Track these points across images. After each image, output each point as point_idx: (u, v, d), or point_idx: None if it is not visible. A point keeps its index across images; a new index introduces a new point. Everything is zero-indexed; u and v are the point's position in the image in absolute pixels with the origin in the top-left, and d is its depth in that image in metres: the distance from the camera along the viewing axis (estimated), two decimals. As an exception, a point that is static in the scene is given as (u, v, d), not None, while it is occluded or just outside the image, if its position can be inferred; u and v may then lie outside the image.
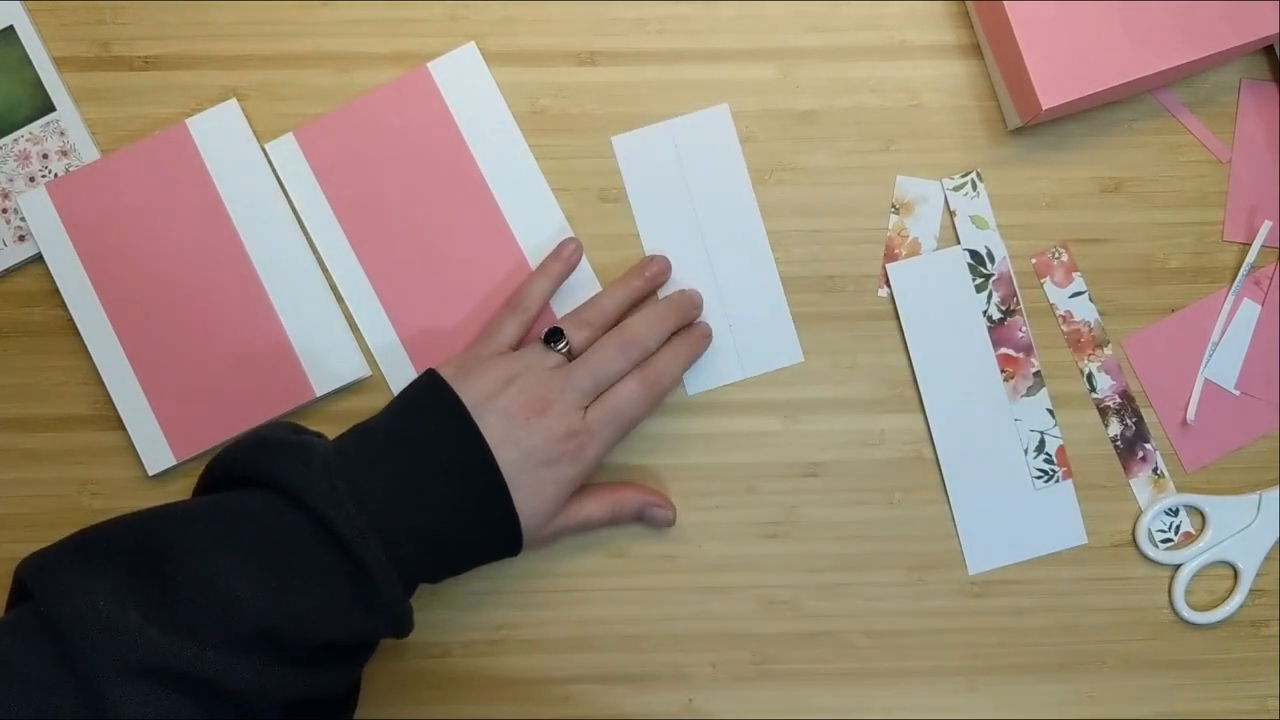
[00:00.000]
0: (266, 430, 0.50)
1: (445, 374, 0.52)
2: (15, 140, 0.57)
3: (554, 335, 0.54)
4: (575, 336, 0.54)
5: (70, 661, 0.41)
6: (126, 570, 0.44)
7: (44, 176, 0.57)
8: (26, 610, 0.43)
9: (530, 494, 0.51)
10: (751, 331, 0.58)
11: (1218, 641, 0.59)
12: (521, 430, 0.50)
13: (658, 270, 0.57)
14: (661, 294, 0.58)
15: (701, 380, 0.58)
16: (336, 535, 0.46)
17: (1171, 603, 0.58)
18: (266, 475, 0.47)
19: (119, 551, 0.45)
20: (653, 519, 0.57)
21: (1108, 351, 0.59)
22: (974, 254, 0.59)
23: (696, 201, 0.58)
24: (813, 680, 0.58)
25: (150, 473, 0.57)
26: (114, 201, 0.57)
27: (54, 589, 0.43)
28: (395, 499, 0.48)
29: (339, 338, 0.57)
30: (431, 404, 0.51)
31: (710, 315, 0.58)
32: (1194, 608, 0.58)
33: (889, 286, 0.59)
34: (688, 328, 0.57)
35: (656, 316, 0.55)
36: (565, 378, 0.52)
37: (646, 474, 0.58)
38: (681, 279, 0.58)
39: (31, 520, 0.57)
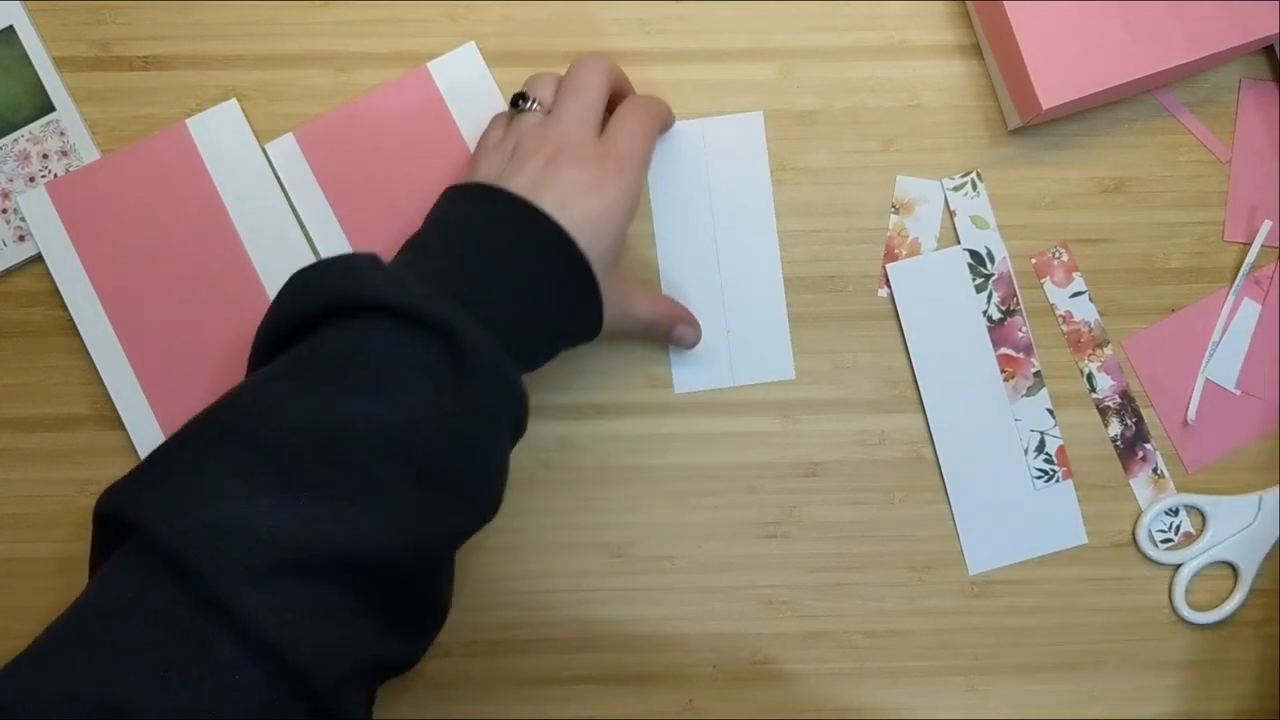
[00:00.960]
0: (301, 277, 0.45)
1: (452, 185, 0.50)
2: (15, 140, 0.57)
3: (519, 100, 0.51)
4: (541, 92, 0.51)
5: (191, 585, 0.38)
6: (219, 463, 0.40)
7: (44, 176, 0.57)
8: (128, 547, 0.39)
9: (587, 226, 0.47)
10: (747, 340, 0.58)
11: (1218, 641, 0.59)
12: (549, 174, 0.47)
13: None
14: (663, 287, 0.58)
15: (691, 381, 0.58)
16: (434, 324, 0.42)
17: (1171, 602, 0.58)
18: (339, 298, 0.43)
19: (200, 450, 0.41)
20: (680, 337, 0.56)
21: (1108, 351, 0.59)
22: (974, 254, 0.59)
23: (715, 202, 0.58)
24: (812, 680, 0.58)
25: (150, 473, 0.57)
26: (114, 201, 0.57)
27: (149, 512, 0.39)
28: (476, 281, 0.45)
29: (339, 338, 0.57)
30: (451, 199, 0.49)
31: (709, 317, 0.58)
32: (1194, 607, 0.58)
33: (889, 286, 0.59)
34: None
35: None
36: (558, 118, 0.50)
37: (646, 473, 0.58)
38: (687, 276, 0.58)
39: (31, 520, 0.57)
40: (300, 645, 0.38)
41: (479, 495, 0.45)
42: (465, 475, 0.44)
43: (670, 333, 0.56)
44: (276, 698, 0.38)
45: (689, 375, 0.58)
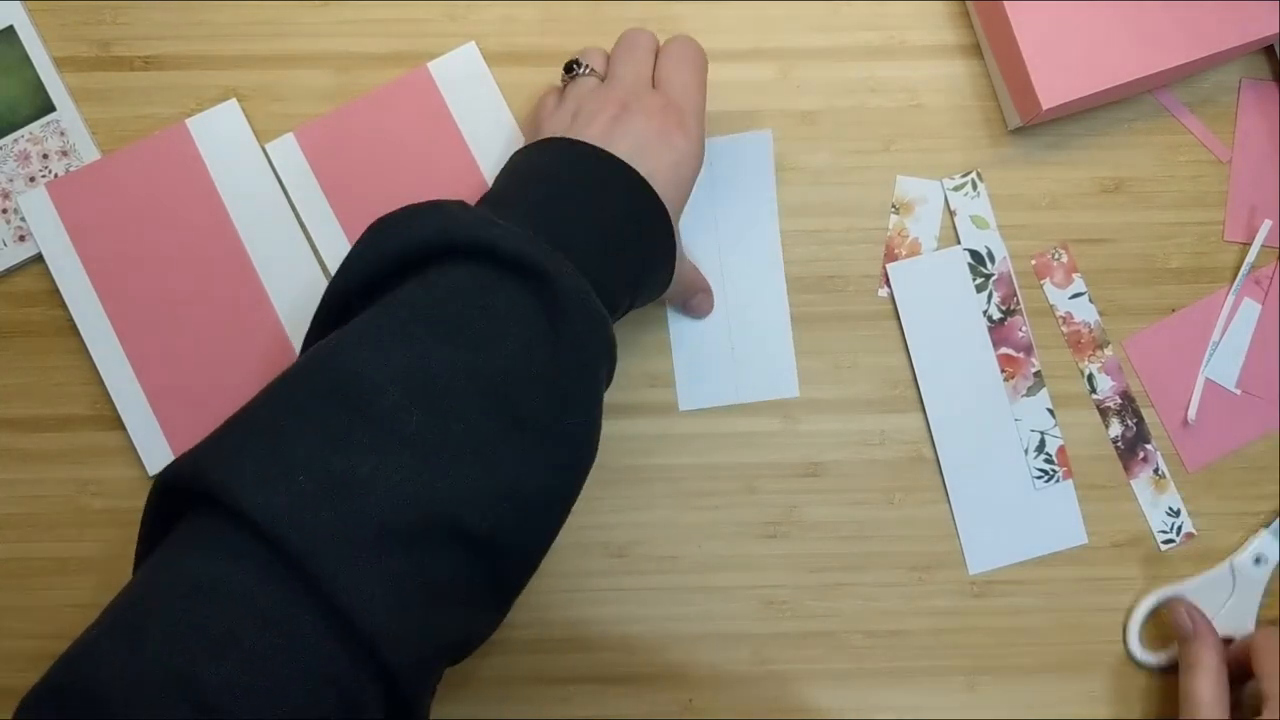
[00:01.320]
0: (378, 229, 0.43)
1: (522, 147, 0.49)
2: (15, 140, 0.57)
3: (573, 65, 0.52)
4: (593, 60, 0.52)
5: (281, 563, 0.35)
6: (308, 425, 0.37)
7: (44, 176, 0.57)
8: (204, 521, 0.36)
9: (660, 177, 0.47)
10: (752, 358, 0.58)
11: (1218, 641, 0.59)
12: (620, 126, 0.47)
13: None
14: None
15: (695, 398, 0.58)
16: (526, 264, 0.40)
17: (1126, 646, 0.58)
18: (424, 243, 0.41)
19: (286, 411, 0.38)
20: (699, 305, 0.57)
21: (1108, 352, 0.59)
22: (974, 254, 0.59)
23: (720, 220, 0.58)
24: (813, 680, 0.58)
25: (150, 473, 0.57)
26: (114, 201, 0.57)
27: (231, 481, 0.35)
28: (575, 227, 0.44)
29: (339, 338, 0.57)
30: (525, 154, 0.48)
31: (715, 334, 0.58)
32: (1149, 649, 0.58)
33: (889, 286, 0.59)
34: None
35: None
36: (617, 78, 0.50)
37: (647, 473, 0.58)
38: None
39: (31, 520, 0.57)
40: (395, 630, 0.36)
41: (578, 447, 0.43)
42: (564, 425, 0.41)
43: (690, 300, 0.56)
44: (362, 694, 0.36)
45: (693, 392, 0.58)
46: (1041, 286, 0.59)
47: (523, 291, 0.40)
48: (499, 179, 0.48)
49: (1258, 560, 0.57)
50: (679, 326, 0.58)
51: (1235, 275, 0.59)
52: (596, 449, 0.43)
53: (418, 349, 0.38)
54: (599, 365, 0.43)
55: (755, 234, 0.58)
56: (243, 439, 0.38)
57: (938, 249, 0.59)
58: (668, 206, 0.47)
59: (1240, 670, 0.54)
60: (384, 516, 0.36)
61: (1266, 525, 0.57)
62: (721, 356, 0.58)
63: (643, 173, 0.46)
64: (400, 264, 0.41)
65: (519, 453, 0.39)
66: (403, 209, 0.42)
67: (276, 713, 0.34)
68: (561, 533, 0.57)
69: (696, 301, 0.57)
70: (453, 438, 0.38)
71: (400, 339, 0.39)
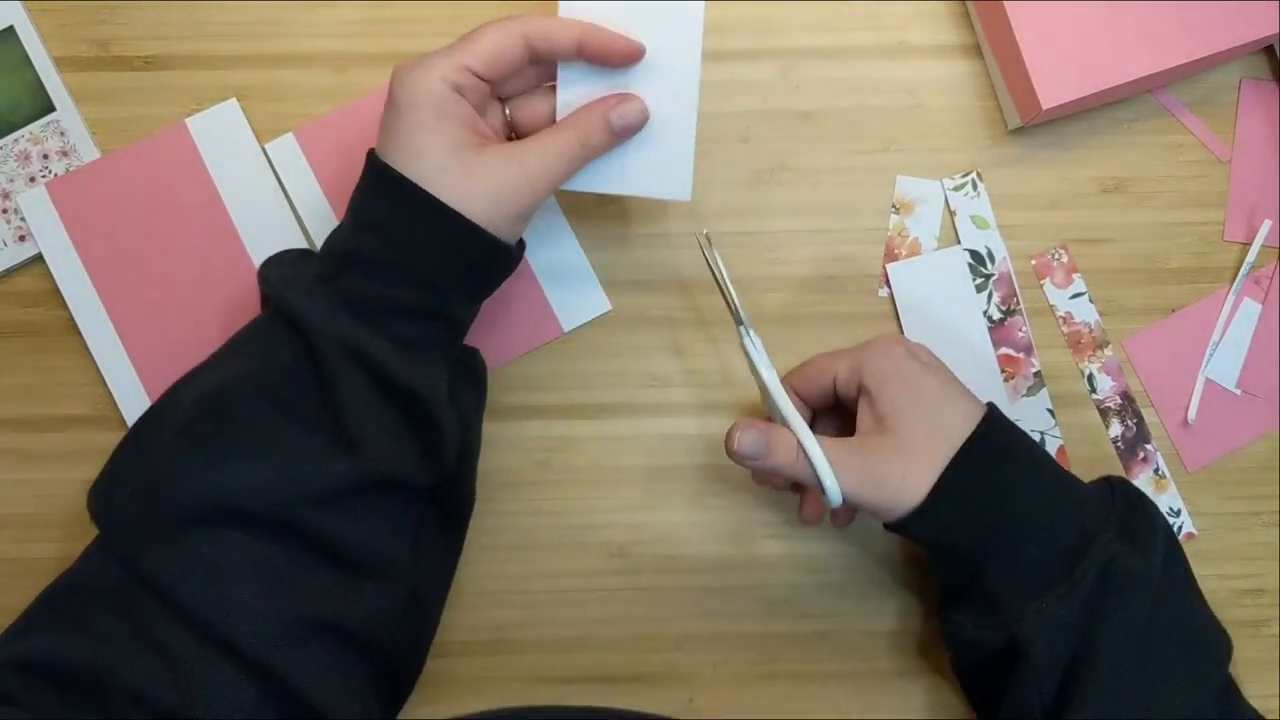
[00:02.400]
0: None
1: None
2: (15, 140, 0.57)
3: None
4: None
5: (116, 555, 0.44)
6: (144, 442, 0.47)
7: (44, 176, 0.57)
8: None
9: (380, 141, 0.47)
10: (646, 148, 0.50)
11: (1218, 641, 0.59)
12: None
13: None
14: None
15: (578, 180, 0.50)
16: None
17: None
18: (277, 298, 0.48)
19: (136, 435, 0.48)
20: (623, 118, 0.48)
21: (1108, 353, 0.59)
22: (974, 254, 0.59)
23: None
24: (813, 680, 0.58)
25: (150, 473, 0.57)
26: (114, 201, 0.57)
27: (94, 492, 0.46)
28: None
29: (339, 338, 0.57)
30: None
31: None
32: None
33: (889, 286, 0.59)
34: None
35: None
36: None
37: (646, 473, 0.58)
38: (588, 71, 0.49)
39: (32, 520, 0.57)
40: (209, 600, 0.42)
41: (349, 436, 0.45)
42: (337, 418, 0.45)
43: (609, 128, 0.48)
44: (206, 656, 0.42)
45: (578, 176, 0.50)
46: (1041, 286, 0.59)
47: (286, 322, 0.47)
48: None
49: None
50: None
51: (1235, 275, 0.59)
52: (379, 448, 0.46)
53: (215, 372, 0.47)
54: (344, 368, 0.46)
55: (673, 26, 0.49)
56: (112, 459, 0.47)
57: (938, 249, 0.59)
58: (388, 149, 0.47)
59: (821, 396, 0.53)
60: (184, 506, 0.43)
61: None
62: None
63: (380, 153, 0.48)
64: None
65: (297, 445, 0.45)
66: (276, 254, 0.51)
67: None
68: (561, 532, 0.58)
69: (618, 118, 0.48)
70: (231, 435, 0.45)
71: (211, 368, 0.48)
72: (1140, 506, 0.49)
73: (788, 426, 0.48)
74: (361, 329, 0.45)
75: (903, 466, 0.47)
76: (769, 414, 0.53)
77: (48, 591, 0.45)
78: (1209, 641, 0.48)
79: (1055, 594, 0.46)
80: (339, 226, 0.48)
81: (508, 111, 0.50)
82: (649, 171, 0.51)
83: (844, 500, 0.47)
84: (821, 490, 0.47)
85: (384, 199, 0.46)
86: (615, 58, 0.48)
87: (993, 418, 0.49)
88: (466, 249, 0.47)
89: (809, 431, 0.48)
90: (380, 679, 0.49)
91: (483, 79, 0.47)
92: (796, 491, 0.55)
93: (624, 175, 0.51)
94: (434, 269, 0.46)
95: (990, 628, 0.47)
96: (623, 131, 0.49)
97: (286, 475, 0.44)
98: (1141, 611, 0.45)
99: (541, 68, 0.50)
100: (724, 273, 0.51)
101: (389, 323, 0.46)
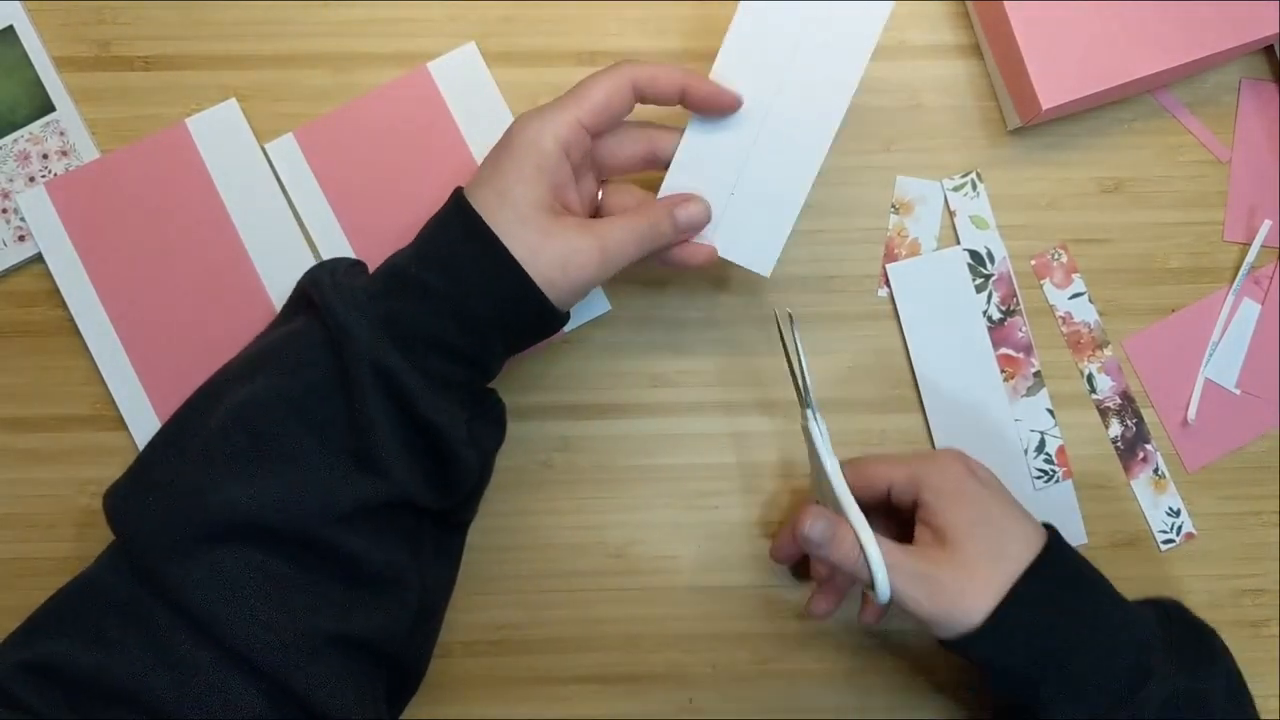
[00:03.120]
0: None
1: None
2: (15, 140, 0.57)
3: None
4: None
5: (135, 565, 0.44)
6: (166, 455, 0.47)
7: (44, 176, 0.57)
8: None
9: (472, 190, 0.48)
10: (746, 214, 0.52)
11: (1218, 641, 0.59)
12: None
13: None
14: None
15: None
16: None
17: None
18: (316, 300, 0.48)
19: (160, 445, 0.47)
20: (687, 216, 0.50)
21: (1108, 353, 0.59)
22: (974, 254, 0.59)
23: (790, 75, 0.51)
24: (813, 680, 0.58)
25: (150, 473, 0.57)
26: (114, 201, 0.57)
27: (110, 501, 0.46)
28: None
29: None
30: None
31: (724, 166, 0.51)
32: None
33: (889, 286, 0.59)
34: None
35: None
36: None
37: (647, 473, 0.58)
38: (717, 126, 0.51)
39: (31, 520, 0.57)
40: (227, 614, 0.42)
41: (374, 458, 0.46)
42: (364, 440, 0.46)
43: (674, 223, 0.50)
44: (220, 669, 0.42)
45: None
46: (1041, 286, 0.59)
47: (325, 336, 0.47)
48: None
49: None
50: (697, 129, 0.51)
51: (1235, 275, 0.59)
52: (402, 472, 0.46)
53: (246, 384, 0.46)
54: (373, 388, 0.46)
55: (821, 94, 0.51)
56: (133, 469, 0.47)
57: (938, 249, 0.59)
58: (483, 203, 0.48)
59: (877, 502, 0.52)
60: (202, 524, 0.43)
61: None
62: (717, 194, 0.52)
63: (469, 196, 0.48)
64: (299, 296, 0.51)
65: (323, 465, 0.45)
66: (329, 260, 0.52)
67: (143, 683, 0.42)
68: (561, 533, 0.58)
69: (682, 217, 0.50)
70: (258, 449, 0.45)
71: (242, 379, 0.47)
72: (1197, 633, 0.50)
73: (844, 517, 0.48)
74: (398, 356, 0.46)
75: (962, 582, 0.47)
76: (817, 499, 0.53)
77: (60, 594, 0.45)
78: None
79: None
80: (404, 250, 0.49)
81: (600, 195, 0.52)
82: (740, 236, 0.52)
83: (894, 600, 0.47)
84: (871, 586, 0.47)
85: (460, 241, 0.47)
86: (715, 108, 0.50)
87: (1055, 545, 0.49)
88: (523, 308, 0.47)
89: (867, 526, 0.48)
90: (389, 684, 0.49)
91: (591, 132, 0.48)
92: (808, 578, 0.56)
93: (715, 229, 0.52)
94: (486, 319, 0.47)
95: None
96: (686, 228, 0.51)
97: (312, 495, 0.44)
98: None
99: (648, 149, 0.51)
100: (801, 354, 0.51)
101: (426, 357, 0.46)
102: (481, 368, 0.49)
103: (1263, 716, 0.50)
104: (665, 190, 0.52)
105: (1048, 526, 0.50)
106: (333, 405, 0.46)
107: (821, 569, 0.55)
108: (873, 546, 0.47)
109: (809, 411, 0.50)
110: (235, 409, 0.46)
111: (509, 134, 0.48)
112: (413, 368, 0.46)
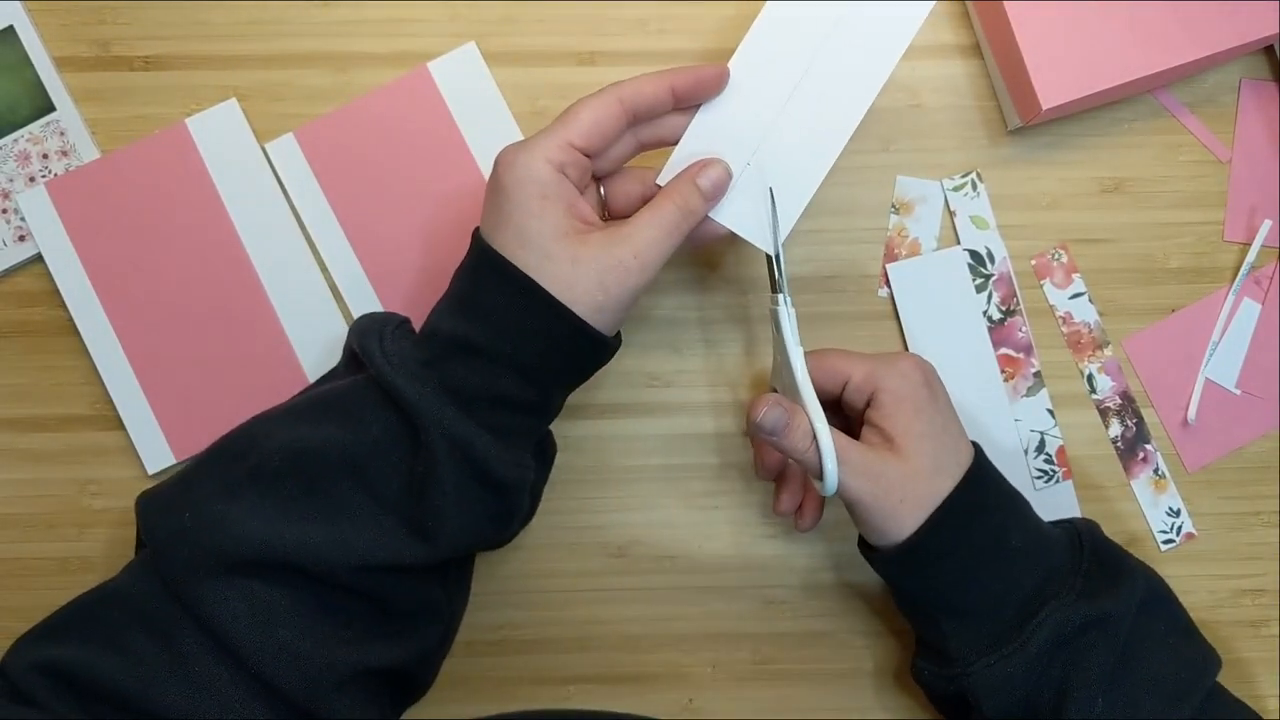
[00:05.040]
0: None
1: None
2: (15, 140, 0.57)
3: None
4: None
5: (163, 578, 0.44)
6: (211, 479, 0.46)
7: (44, 176, 0.57)
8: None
9: (485, 223, 0.47)
10: (757, 192, 0.50)
11: (1217, 642, 0.58)
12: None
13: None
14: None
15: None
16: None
17: None
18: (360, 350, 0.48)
19: (202, 469, 0.47)
20: (709, 179, 0.48)
21: (1108, 353, 0.59)
22: (974, 254, 0.59)
23: (818, 63, 0.50)
24: (813, 680, 0.58)
25: (150, 472, 0.57)
26: (114, 201, 0.57)
27: (145, 516, 0.46)
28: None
29: (338, 337, 0.57)
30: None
31: (741, 143, 0.50)
32: None
33: (889, 286, 0.59)
34: None
35: None
36: None
37: (647, 473, 0.58)
38: (740, 91, 0.50)
39: (31, 520, 0.57)
40: (258, 643, 0.43)
41: (426, 526, 0.46)
42: (418, 505, 0.45)
43: (701, 193, 0.48)
44: (240, 693, 0.43)
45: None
46: (1041, 286, 0.59)
47: (387, 400, 0.46)
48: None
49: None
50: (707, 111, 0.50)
51: (1235, 275, 0.59)
52: (451, 538, 0.46)
53: (303, 431, 0.46)
54: (445, 460, 0.45)
55: (844, 91, 0.50)
56: (170, 485, 0.47)
57: (938, 249, 0.59)
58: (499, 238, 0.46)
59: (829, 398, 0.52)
60: (243, 549, 0.43)
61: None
62: (735, 161, 0.50)
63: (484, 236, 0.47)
64: (350, 359, 0.50)
65: (371, 520, 0.45)
66: (366, 317, 0.50)
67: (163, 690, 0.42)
68: (561, 533, 0.58)
69: (705, 182, 0.48)
70: (313, 499, 0.45)
71: (299, 422, 0.47)
72: (1107, 558, 0.50)
73: (801, 405, 0.48)
74: (466, 421, 0.45)
75: (907, 488, 0.48)
76: (773, 385, 0.53)
77: (84, 599, 0.45)
78: (1190, 674, 0.48)
79: (1002, 653, 0.47)
80: (441, 306, 0.48)
81: (602, 191, 0.51)
82: (750, 210, 0.50)
83: (840, 493, 0.47)
84: (819, 475, 0.47)
85: (495, 290, 0.46)
86: (700, 88, 0.49)
87: (977, 468, 0.49)
88: (572, 346, 0.47)
89: (823, 415, 0.48)
90: (401, 693, 0.50)
91: (585, 153, 0.47)
92: (774, 479, 0.55)
93: (723, 204, 0.50)
94: (540, 364, 0.46)
95: (944, 677, 0.49)
96: (713, 194, 0.49)
97: (357, 548, 0.44)
98: (1104, 664, 0.46)
99: (637, 141, 0.50)
100: (779, 234, 0.50)
101: (490, 413, 0.46)
102: (544, 412, 0.49)
103: (1263, 716, 0.50)
104: (676, 157, 0.50)
105: (974, 445, 0.50)
106: (390, 465, 0.45)
107: (770, 458, 0.55)
108: (826, 435, 0.47)
109: (780, 296, 0.50)
110: (291, 452, 0.45)
111: (497, 171, 0.46)
112: (480, 427, 0.45)
